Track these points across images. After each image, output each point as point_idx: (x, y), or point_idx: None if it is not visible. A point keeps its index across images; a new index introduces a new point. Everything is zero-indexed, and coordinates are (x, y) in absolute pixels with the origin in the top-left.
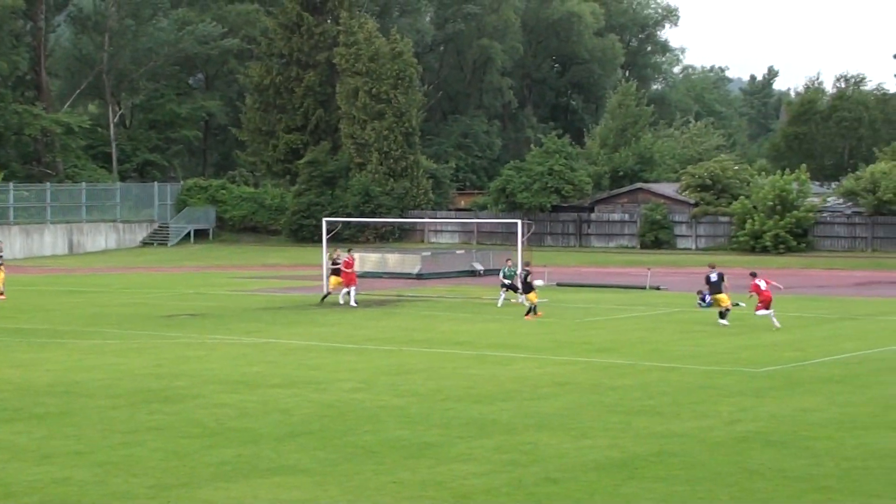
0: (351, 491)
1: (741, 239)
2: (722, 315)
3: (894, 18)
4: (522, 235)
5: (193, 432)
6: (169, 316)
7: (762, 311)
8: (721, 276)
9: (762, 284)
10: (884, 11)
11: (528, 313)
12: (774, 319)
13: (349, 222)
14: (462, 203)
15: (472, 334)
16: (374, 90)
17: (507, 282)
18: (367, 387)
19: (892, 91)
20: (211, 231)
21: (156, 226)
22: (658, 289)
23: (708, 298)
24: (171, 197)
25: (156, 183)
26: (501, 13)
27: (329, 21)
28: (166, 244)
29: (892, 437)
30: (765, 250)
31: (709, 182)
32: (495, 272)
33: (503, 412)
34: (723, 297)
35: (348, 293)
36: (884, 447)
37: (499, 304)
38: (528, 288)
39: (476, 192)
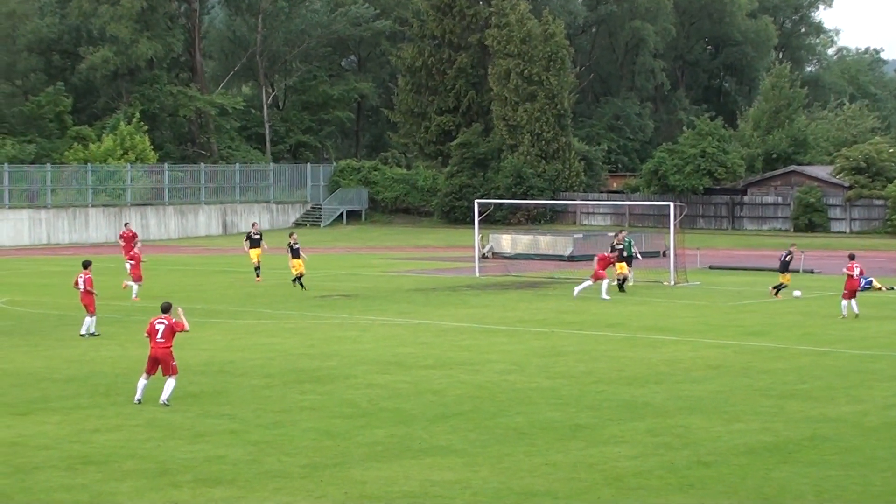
0: (502, 472)
1: None
2: None
3: None
4: (675, 218)
5: (346, 412)
6: (321, 296)
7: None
8: None
9: (856, 272)
10: None
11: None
12: (846, 309)
13: (501, 204)
14: (614, 185)
15: (623, 316)
16: (525, 72)
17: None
18: (518, 369)
19: None
20: (363, 212)
21: (309, 207)
22: (811, 272)
23: (863, 282)
24: (324, 178)
25: (308, 164)
26: None
27: (481, 3)
28: (319, 225)
29: None
30: None
31: (863, 165)
32: (649, 255)
33: (655, 395)
34: None
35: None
36: None
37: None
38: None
39: (628, 174)
